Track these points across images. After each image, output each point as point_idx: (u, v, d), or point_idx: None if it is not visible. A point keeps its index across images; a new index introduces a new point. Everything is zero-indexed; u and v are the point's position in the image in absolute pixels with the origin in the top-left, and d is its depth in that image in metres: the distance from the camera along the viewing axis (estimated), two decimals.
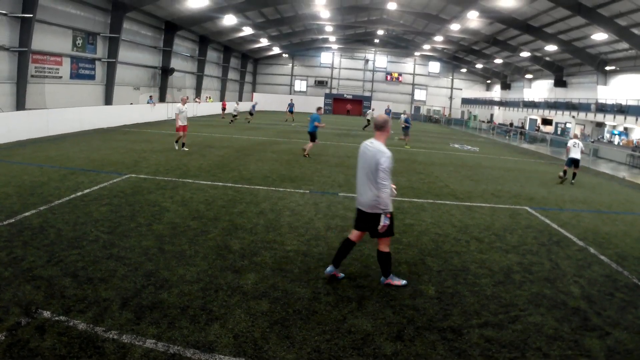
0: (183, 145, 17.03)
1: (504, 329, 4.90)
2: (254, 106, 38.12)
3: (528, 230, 9.01)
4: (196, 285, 5.42)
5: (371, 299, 5.41)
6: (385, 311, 5.12)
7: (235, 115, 35.05)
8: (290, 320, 4.76)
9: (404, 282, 5.89)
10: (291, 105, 43.13)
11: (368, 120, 37.02)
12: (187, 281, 5.51)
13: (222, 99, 53.25)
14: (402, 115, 27.03)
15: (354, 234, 5.81)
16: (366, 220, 5.62)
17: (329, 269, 5.86)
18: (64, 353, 3.93)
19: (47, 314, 4.53)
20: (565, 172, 16.23)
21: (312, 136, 17.78)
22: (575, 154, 16.19)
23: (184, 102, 17.18)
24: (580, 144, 16.49)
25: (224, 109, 42.24)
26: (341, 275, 5.97)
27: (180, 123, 16.77)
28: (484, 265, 6.80)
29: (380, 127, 5.66)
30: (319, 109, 18.31)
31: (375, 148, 5.48)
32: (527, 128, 47.98)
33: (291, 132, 28.99)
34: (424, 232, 8.34)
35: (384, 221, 5.40)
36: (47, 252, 6.09)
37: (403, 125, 25.83)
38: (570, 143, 16.66)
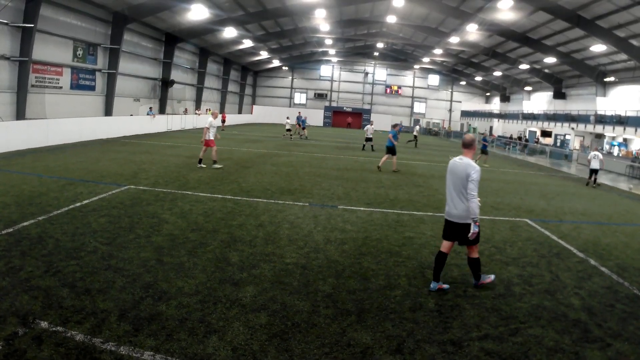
0: (200, 161, 16.20)
1: (504, 342, 4.86)
2: (304, 120, 37.82)
3: (528, 243, 8.98)
4: (195, 297, 5.39)
5: (370, 312, 5.37)
6: (385, 324, 5.08)
7: (289, 130, 34.97)
8: (289, 334, 4.72)
9: (492, 276, 6.51)
10: (299, 118, 43.29)
11: (415, 136, 38.39)
12: (185, 293, 5.47)
13: (222, 111, 53.46)
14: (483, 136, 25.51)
15: (445, 246, 6.22)
16: (457, 231, 6.08)
17: (433, 285, 6.16)
18: None
19: (44, 324, 4.50)
20: (591, 178, 19.95)
21: (391, 150, 18.83)
22: (594, 165, 19.57)
23: (215, 115, 16.43)
24: (599, 155, 19.87)
25: (223, 121, 42.34)
26: (446, 286, 6.25)
27: (212, 137, 15.99)
28: None
29: (468, 145, 6.26)
30: (395, 125, 20.50)
31: (465, 163, 6.06)
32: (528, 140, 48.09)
33: (291, 145, 29.04)
34: (423, 245, 8.31)
35: (474, 228, 5.85)
36: (45, 263, 6.06)
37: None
38: (590, 155, 20.11)
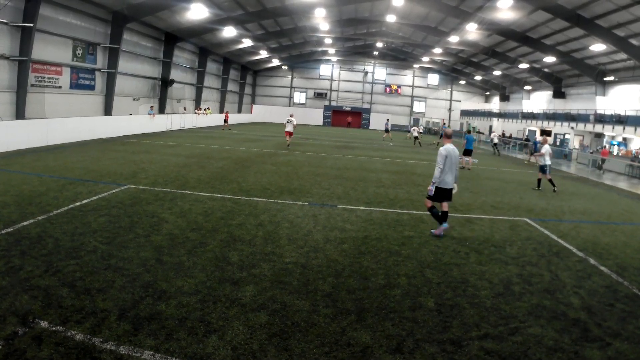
0: (289, 145, 26.01)
1: (504, 341, 4.87)
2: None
3: (527, 242, 8.99)
4: (194, 296, 5.39)
5: (370, 311, 5.37)
6: (385, 323, 5.09)
7: (416, 137, 38.19)
8: (289, 333, 4.72)
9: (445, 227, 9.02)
10: (387, 124, 44.69)
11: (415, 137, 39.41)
12: (185, 292, 5.48)
13: (221, 110, 53.51)
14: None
15: (444, 206, 8.94)
16: (449, 193, 8.83)
17: (446, 225, 8.95)
18: None
19: (44, 324, 4.50)
20: (545, 176, 16.65)
21: (469, 152, 22.31)
22: (548, 160, 16.57)
23: (292, 116, 26.39)
24: (550, 150, 16.95)
25: (226, 120, 42.31)
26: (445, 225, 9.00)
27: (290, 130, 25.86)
28: (484, 277, 6.78)
29: (450, 136, 9.22)
30: (469, 131, 25.52)
31: (455, 148, 8.87)
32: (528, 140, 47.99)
33: (291, 143, 28.98)
34: (423, 244, 8.32)
35: (457, 187, 9.06)
36: (45, 262, 6.06)
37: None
38: (545, 149, 16.83)
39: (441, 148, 8.78)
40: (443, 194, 8.77)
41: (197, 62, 46.64)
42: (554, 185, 16.32)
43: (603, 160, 28.32)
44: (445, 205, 8.92)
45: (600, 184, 21.03)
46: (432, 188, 8.73)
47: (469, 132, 23.85)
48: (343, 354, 4.40)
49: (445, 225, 8.93)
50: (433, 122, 70.53)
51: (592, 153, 32.00)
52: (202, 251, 6.99)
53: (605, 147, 33.91)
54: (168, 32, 37.52)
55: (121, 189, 11.24)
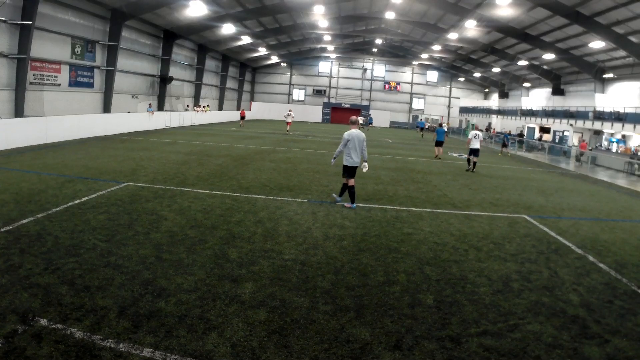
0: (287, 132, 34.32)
1: (503, 338, 4.88)
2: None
3: (526, 239, 9.00)
4: (194, 294, 5.40)
5: (369, 308, 5.38)
6: (384, 320, 5.09)
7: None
8: (288, 330, 4.73)
9: (354, 206, 10.58)
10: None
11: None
12: (184, 290, 5.48)
13: (220, 107, 53.53)
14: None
15: (351, 182, 10.55)
16: (354, 171, 10.47)
17: (339, 199, 10.97)
18: None
19: (44, 321, 4.50)
20: (470, 164, 19.54)
21: (441, 144, 24.11)
22: (475, 144, 19.32)
23: (290, 110, 37.42)
24: (480, 135, 19.87)
25: (242, 117, 42.18)
26: (339, 199, 10.99)
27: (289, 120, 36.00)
28: (483, 273, 6.78)
29: (356, 122, 10.68)
30: (440, 124, 27.30)
31: (360, 132, 10.55)
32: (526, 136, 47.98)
33: (289, 141, 29.01)
34: (422, 241, 8.33)
35: (367, 166, 11.09)
36: (44, 260, 6.06)
37: None
38: (471, 135, 19.72)
39: (345, 132, 10.56)
40: (349, 171, 10.48)
41: (195, 60, 46.56)
42: (469, 166, 19.51)
43: (582, 153, 30.75)
44: (351, 181, 10.56)
45: (600, 181, 21.04)
46: (332, 161, 11.35)
47: (440, 125, 26.95)
48: (342, 350, 4.41)
49: (340, 199, 10.96)
50: (432, 119, 70.54)
51: (591, 150, 32.01)
52: (202, 248, 7.00)
53: (584, 140, 36.32)
54: (167, 30, 37.44)
55: (120, 186, 11.24)
